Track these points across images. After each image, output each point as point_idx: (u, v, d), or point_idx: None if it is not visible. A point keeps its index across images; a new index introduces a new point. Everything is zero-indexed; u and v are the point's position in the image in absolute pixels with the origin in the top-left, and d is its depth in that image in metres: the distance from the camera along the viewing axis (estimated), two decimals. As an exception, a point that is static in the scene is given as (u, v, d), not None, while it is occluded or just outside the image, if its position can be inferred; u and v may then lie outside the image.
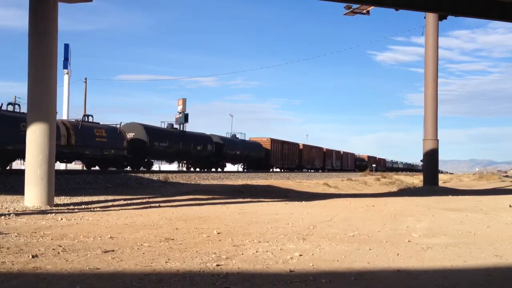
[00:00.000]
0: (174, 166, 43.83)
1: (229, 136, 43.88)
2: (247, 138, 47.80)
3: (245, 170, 45.36)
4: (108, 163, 27.99)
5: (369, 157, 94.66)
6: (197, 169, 37.64)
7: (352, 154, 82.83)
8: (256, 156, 45.63)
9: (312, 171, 59.26)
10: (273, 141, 48.80)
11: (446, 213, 12.20)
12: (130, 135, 29.50)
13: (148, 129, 30.99)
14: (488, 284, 5.21)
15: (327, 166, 66.93)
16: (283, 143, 51.91)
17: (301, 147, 56.88)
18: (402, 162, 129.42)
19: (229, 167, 45.91)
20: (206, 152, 36.93)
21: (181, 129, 35.82)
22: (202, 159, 37.48)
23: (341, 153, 75.62)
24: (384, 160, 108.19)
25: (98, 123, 27.42)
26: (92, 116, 27.71)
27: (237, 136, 45.62)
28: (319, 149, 64.85)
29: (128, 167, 30.09)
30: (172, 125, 35.64)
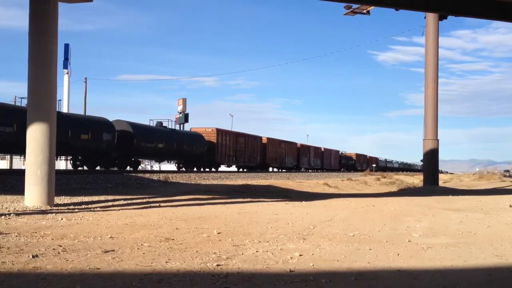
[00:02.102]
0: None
1: (153, 124, 33.25)
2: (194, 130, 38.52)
3: (182, 170, 35.48)
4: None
5: (358, 155, 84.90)
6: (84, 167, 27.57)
7: (336, 152, 74.17)
8: (195, 151, 34.95)
9: (283, 170, 51.68)
10: (220, 132, 38.57)
11: (446, 213, 12.20)
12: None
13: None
14: (488, 284, 5.21)
15: (302, 165, 58.35)
16: (237, 135, 42.26)
17: (264, 141, 47.46)
18: (397, 162, 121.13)
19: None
20: (101, 144, 25.88)
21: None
22: (95, 154, 26.52)
23: (322, 150, 66.57)
24: (376, 158, 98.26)
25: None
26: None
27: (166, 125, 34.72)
28: (291, 144, 55.47)
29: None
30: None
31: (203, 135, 36.70)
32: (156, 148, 30.80)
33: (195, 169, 36.49)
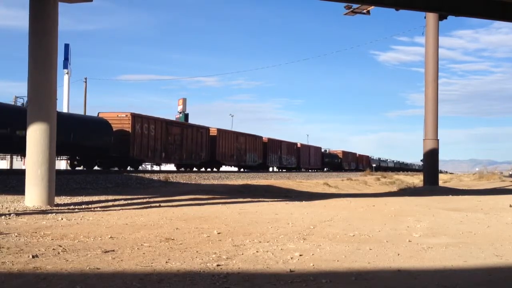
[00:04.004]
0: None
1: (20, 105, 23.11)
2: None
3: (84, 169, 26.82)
4: None
5: (345, 153, 75.43)
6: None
7: (317, 148, 65.19)
8: (93, 143, 25.29)
9: (245, 170, 44.02)
10: (138, 118, 28.88)
11: (447, 213, 12.19)
12: None
13: None
14: (488, 284, 5.21)
15: (270, 163, 49.86)
16: (169, 124, 32.65)
17: (213, 133, 38.29)
18: (392, 161, 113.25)
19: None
20: None
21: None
22: None
23: (298, 146, 57.35)
24: (367, 157, 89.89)
25: None
26: None
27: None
28: (255, 138, 46.28)
29: None
30: None
31: (110, 122, 27.03)
32: (12, 136, 20.05)
33: (96, 167, 28.27)
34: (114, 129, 26.99)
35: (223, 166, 42.12)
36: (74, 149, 24.53)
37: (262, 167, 47.69)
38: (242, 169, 45.07)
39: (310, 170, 59.44)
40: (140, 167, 32.76)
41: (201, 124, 37.64)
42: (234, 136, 42.16)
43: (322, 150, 68.08)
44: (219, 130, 39.34)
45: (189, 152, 34.68)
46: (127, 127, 28.06)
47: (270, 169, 50.57)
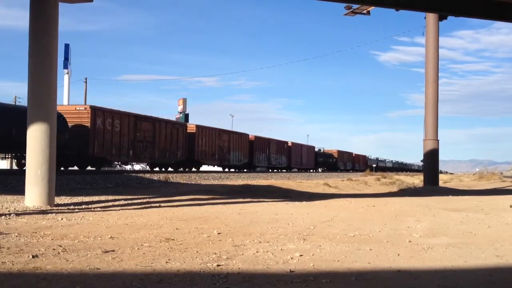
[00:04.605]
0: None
1: None
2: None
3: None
4: None
5: (340, 152, 72.98)
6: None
7: (310, 147, 62.53)
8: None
9: (229, 170, 41.36)
10: (98, 112, 26.20)
11: (447, 213, 12.19)
12: None
13: None
14: (489, 284, 5.21)
15: (258, 163, 46.47)
16: (138, 118, 29.44)
17: (191, 129, 35.49)
18: (391, 161, 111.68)
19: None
20: None
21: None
22: None
23: (288, 144, 54.48)
24: (364, 156, 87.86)
25: None
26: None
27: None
28: (240, 136, 42.94)
29: None
30: None
31: (67, 116, 23.94)
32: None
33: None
34: (71, 124, 24.36)
35: (204, 166, 39.63)
36: (18, 146, 20.13)
37: (248, 167, 45.04)
38: (226, 169, 42.66)
39: (302, 170, 57.17)
40: (110, 166, 29.75)
41: (177, 121, 34.03)
42: (216, 133, 39.00)
43: (316, 149, 65.93)
44: (198, 126, 36.53)
45: (162, 150, 31.53)
46: (86, 121, 25.23)
47: (258, 169, 47.71)
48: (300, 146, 59.00)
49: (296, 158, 56.50)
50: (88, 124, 25.32)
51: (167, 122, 33.43)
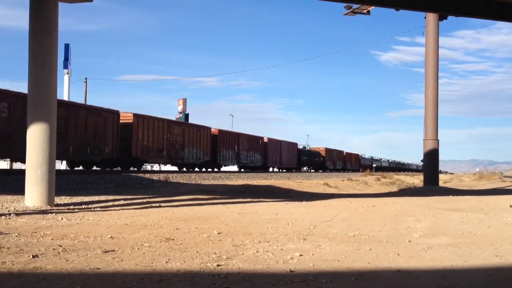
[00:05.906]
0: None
1: None
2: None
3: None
4: None
5: (328, 150, 66.81)
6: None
7: (292, 144, 55.74)
8: None
9: (186, 170, 35.57)
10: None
11: (447, 213, 12.19)
12: None
13: None
14: (489, 284, 5.21)
15: (222, 160, 40.50)
16: (62, 105, 21.43)
17: (127, 119, 28.75)
18: (387, 160, 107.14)
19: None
20: None
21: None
22: None
23: (264, 140, 48.08)
24: (357, 155, 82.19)
25: None
26: None
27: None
28: (199, 129, 36.63)
29: None
30: None
31: None
32: None
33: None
34: None
35: (147, 165, 34.03)
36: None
37: (211, 166, 39.76)
38: (184, 168, 36.74)
39: (282, 170, 52.21)
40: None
41: (106, 107, 27.18)
42: (164, 125, 32.23)
43: (300, 147, 60.17)
44: (136, 115, 29.42)
45: (81, 144, 25.02)
46: None
47: (223, 168, 42.30)
48: (279, 142, 52.02)
49: (273, 156, 50.17)
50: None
51: (89, 108, 26.70)
